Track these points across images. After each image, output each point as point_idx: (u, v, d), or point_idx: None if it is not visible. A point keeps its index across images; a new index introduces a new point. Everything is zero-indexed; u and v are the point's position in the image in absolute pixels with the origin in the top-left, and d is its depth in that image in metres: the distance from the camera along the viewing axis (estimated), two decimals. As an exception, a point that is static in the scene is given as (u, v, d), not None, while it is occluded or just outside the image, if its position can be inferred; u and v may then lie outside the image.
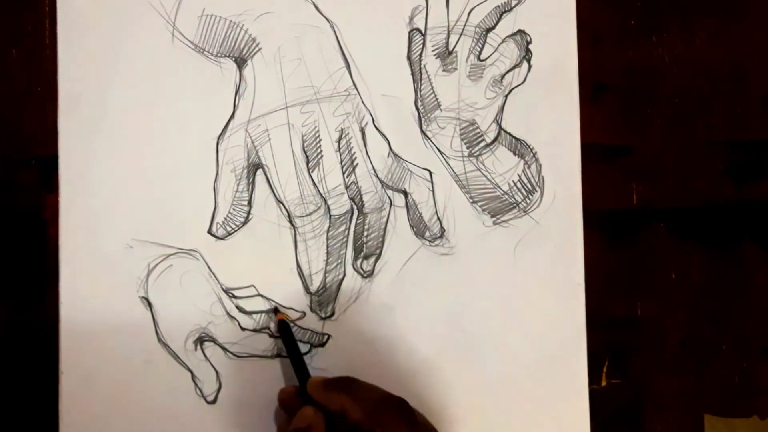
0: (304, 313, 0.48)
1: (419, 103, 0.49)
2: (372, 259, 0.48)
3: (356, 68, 0.48)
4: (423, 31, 0.49)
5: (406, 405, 0.41)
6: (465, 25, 0.49)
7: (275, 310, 0.47)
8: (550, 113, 0.50)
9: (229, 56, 0.47)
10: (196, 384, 0.47)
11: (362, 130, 0.48)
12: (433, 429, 0.42)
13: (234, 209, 0.47)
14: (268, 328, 0.47)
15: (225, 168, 0.47)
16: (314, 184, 0.48)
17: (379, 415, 0.40)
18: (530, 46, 0.50)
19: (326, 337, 0.48)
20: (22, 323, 0.47)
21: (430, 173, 0.49)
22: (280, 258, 0.48)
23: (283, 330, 0.46)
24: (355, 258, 0.48)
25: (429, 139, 0.49)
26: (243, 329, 0.47)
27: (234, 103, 0.47)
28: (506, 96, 0.49)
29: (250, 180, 0.48)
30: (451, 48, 0.49)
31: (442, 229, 0.49)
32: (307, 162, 0.48)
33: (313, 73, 0.48)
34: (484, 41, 0.49)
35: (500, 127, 0.49)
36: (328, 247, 0.48)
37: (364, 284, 0.48)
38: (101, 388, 0.46)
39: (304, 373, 0.45)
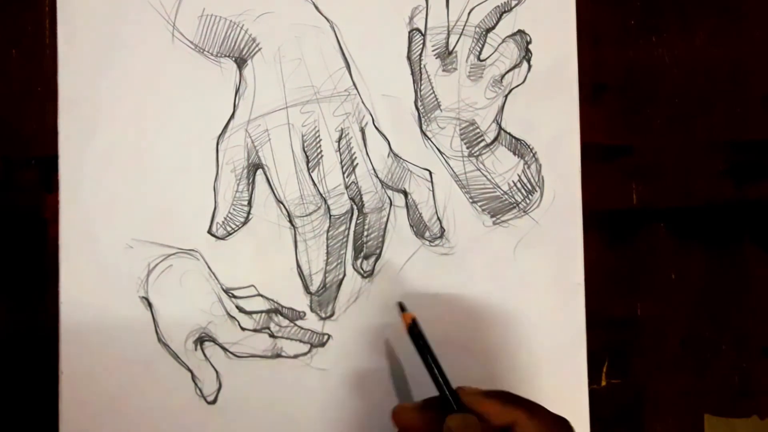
0: (304, 313, 0.48)
1: (419, 103, 0.49)
2: (372, 259, 0.48)
3: (356, 68, 0.48)
4: (423, 31, 0.49)
5: (571, 427, 0.40)
6: (465, 25, 0.49)
7: (401, 307, 0.44)
8: (550, 113, 0.50)
9: (229, 56, 0.47)
10: (196, 384, 0.47)
11: (362, 130, 0.48)
12: None
13: (234, 209, 0.47)
14: (268, 328, 0.47)
15: (225, 168, 0.47)
16: (314, 184, 0.48)
17: None
18: (530, 46, 0.50)
19: (326, 337, 0.48)
20: (22, 323, 0.47)
21: (430, 173, 0.49)
22: (280, 258, 0.48)
23: (414, 332, 0.43)
24: (355, 258, 0.48)
25: (429, 139, 0.49)
26: (243, 329, 0.47)
27: (234, 103, 0.47)
28: (506, 96, 0.49)
29: (250, 180, 0.48)
30: (451, 48, 0.49)
31: (442, 229, 0.49)
32: (307, 162, 0.48)
33: (313, 73, 0.48)
34: (484, 41, 0.49)
35: (500, 127, 0.49)
36: (328, 247, 0.48)
37: (364, 284, 0.48)
38: (101, 388, 0.46)
39: (446, 380, 0.41)
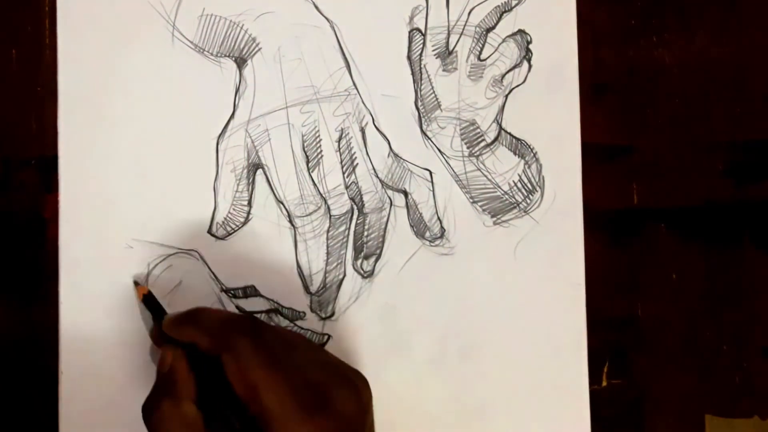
0: (304, 313, 0.48)
1: (419, 103, 0.49)
2: (372, 259, 0.48)
3: (356, 68, 0.48)
4: (423, 31, 0.49)
5: (249, 322, 0.41)
6: (465, 25, 0.49)
7: (135, 283, 0.46)
8: (550, 113, 0.50)
9: (229, 56, 0.47)
10: (196, 384, 0.47)
11: (362, 130, 0.48)
12: (291, 337, 0.42)
13: (234, 209, 0.47)
14: (268, 328, 0.47)
15: (225, 168, 0.47)
16: (314, 184, 0.48)
17: (224, 338, 0.39)
18: (530, 46, 0.50)
19: (326, 337, 0.48)
20: (22, 323, 0.46)
21: (430, 173, 0.49)
22: (280, 258, 0.48)
23: (148, 302, 0.45)
24: (355, 258, 0.48)
25: (429, 139, 0.49)
26: (243, 329, 0.47)
27: (234, 103, 0.47)
28: (506, 96, 0.49)
29: (250, 180, 0.48)
30: (451, 48, 0.49)
31: (443, 229, 0.49)
32: (307, 162, 0.48)
33: (313, 73, 0.48)
34: (485, 41, 0.49)
35: (500, 127, 0.49)
36: (328, 247, 0.48)
37: (364, 284, 0.48)
38: (101, 388, 0.46)
39: (161, 313, 0.44)
